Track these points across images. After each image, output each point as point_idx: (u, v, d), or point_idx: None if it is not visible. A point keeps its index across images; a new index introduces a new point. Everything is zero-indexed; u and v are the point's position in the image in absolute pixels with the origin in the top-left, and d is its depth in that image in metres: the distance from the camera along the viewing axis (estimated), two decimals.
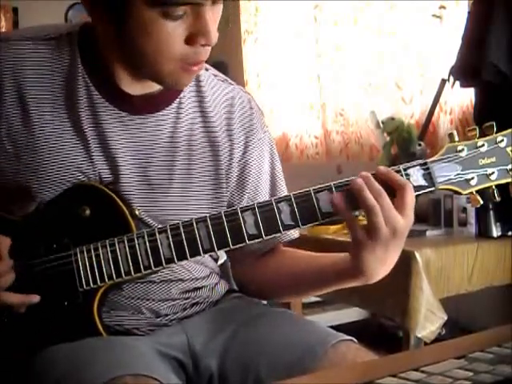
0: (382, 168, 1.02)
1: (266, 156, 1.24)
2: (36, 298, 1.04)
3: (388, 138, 2.89)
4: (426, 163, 1.04)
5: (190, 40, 1.00)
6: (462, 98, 2.94)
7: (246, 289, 1.29)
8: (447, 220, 2.31)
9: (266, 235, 1.03)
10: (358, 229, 1.01)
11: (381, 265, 1.03)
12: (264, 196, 1.23)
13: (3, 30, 4.41)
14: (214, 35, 1.01)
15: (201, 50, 1.02)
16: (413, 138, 2.76)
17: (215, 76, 1.22)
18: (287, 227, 1.03)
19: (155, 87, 1.12)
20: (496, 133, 1.05)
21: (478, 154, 1.04)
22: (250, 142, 1.21)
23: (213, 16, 1.01)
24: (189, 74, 1.06)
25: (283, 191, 1.26)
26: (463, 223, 2.29)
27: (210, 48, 1.03)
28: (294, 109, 4.07)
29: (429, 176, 1.03)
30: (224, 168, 1.18)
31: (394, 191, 1.00)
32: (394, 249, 1.02)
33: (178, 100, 1.15)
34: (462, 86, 2.64)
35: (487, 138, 1.05)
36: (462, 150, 1.04)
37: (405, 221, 0.99)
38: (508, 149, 1.04)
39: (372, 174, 1.01)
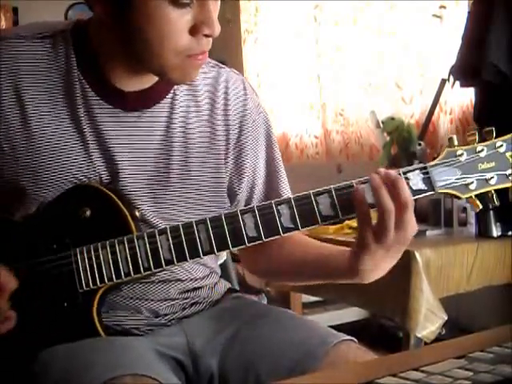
0: (393, 174, 1.00)
1: (261, 138, 1.24)
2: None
3: (388, 138, 2.89)
4: (425, 167, 1.04)
5: (193, 30, 1.00)
6: (462, 98, 2.94)
7: (251, 270, 1.28)
8: (447, 220, 2.31)
9: (265, 237, 1.03)
10: (368, 228, 1.00)
11: (376, 268, 1.03)
12: (262, 180, 1.23)
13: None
14: (218, 26, 1.01)
15: (203, 41, 1.02)
16: (413, 137, 2.76)
17: (206, 63, 1.21)
18: (287, 230, 1.03)
19: (149, 82, 1.12)
20: (496, 137, 1.04)
21: (477, 159, 1.04)
22: (244, 125, 1.20)
23: (215, 8, 1.02)
24: (194, 66, 1.05)
25: (281, 175, 1.26)
26: (463, 223, 2.29)
27: (211, 40, 1.04)
28: (294, 109, 4.07)
29: (428, 180, 1.03)
30: (222, 153, 1.18)
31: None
32: (394, 255, 1.02)
33: (172, 92, 1.15)
34: (462, 85, 2.64)
35: (487, 142, 1.04)
36: (462, 154, 1.04)
37: (412, 229, 1.00)
38: (507, 154, 1.03)
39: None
